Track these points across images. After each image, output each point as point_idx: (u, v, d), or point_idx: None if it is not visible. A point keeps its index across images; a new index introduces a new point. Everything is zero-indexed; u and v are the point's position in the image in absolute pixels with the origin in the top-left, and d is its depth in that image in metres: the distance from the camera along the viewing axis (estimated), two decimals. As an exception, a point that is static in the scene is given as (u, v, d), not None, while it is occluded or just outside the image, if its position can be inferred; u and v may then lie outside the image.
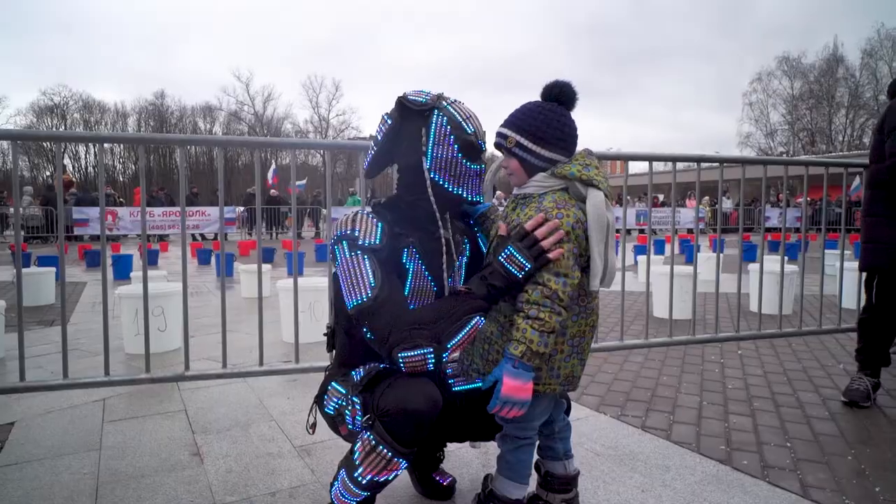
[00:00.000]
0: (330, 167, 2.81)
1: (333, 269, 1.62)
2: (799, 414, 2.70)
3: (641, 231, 18.38)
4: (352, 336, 1.64)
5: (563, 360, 1.54)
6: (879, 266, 2.78)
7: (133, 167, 44.21)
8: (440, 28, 72.29)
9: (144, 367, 2.57)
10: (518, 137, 1.54)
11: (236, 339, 4.10)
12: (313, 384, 3.15)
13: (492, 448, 2.33)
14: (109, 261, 9.79)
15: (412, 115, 1.56)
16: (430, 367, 1.46)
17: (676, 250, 10.60)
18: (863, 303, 3.00)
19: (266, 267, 7.17)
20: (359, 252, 1.50)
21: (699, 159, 3.11)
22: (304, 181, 21.79)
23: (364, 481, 1.47)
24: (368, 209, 1.59)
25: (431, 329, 1.45)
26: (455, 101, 1.59)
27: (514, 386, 1.43)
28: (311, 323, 4.11)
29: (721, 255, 3.52)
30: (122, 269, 8.15)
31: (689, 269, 4.45)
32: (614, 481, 2.04)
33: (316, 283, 4.38)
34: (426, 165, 1.54)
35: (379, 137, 1.62)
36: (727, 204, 20.55)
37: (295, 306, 2.77)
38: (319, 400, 1.71)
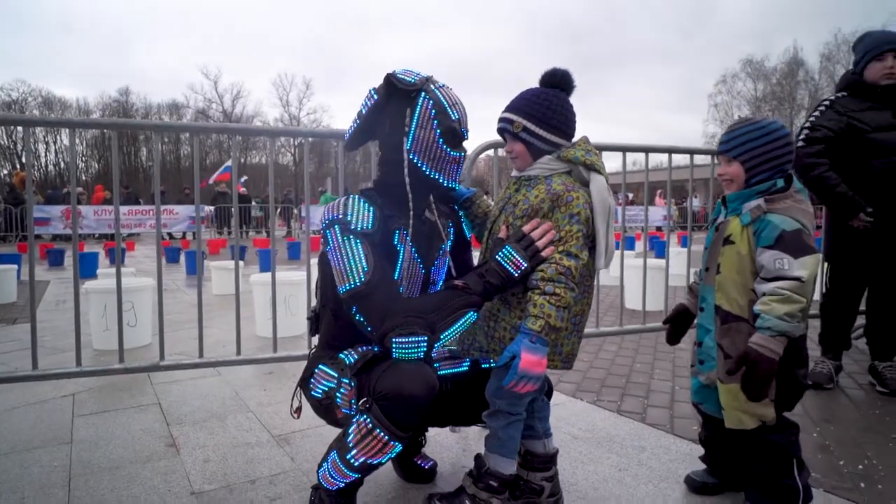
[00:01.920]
0: (307, 159, 2.78)
1: (322, 251, 1.61)
2: (766, 396, 2.79)
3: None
4: (339, 318, 1.63)
5: (566, 338, 1.57)
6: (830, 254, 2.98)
7: (96, 166, 43.01)
8: (411, 29, 72.21)
9: (115, 361, 2.50)
10: (525, 122, 1.57)
11: (209, 335, 4.02)
12: (290, 376, 3.14)
13: (471, 433, 2.35)
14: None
15: (399, 94, 1.56)
16: (421, 355, 1.47)
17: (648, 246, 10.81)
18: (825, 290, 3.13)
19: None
20: (351, 237, 1.49)
21: (670, 150, 3.19)
22: (244, 178, 21.21)
23: (357, 463, 1.47)
24: (358, 194, 1.59)
25: (426, 318, 1.46)
26: (443, 85, 1.60)
27: (532, 360, 1.44)
28: (287, 317, 4.07)
29: (690, 249, 3.63)
30: (88, 267, 7.92)
31: (661, 262, 4.55)
32: (592, 462, 2.08)
33: (290, 277, 4.34)
34: (406, 146, 1.55)
35: (363, 111, 1.61)
36: (695, 203, 21.05)
37: (273, 294, 2.74)
38: (305, 383, 1.69)
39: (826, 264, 3.04)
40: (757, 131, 1.64)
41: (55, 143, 42.82)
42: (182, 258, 9.69)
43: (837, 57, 34.85)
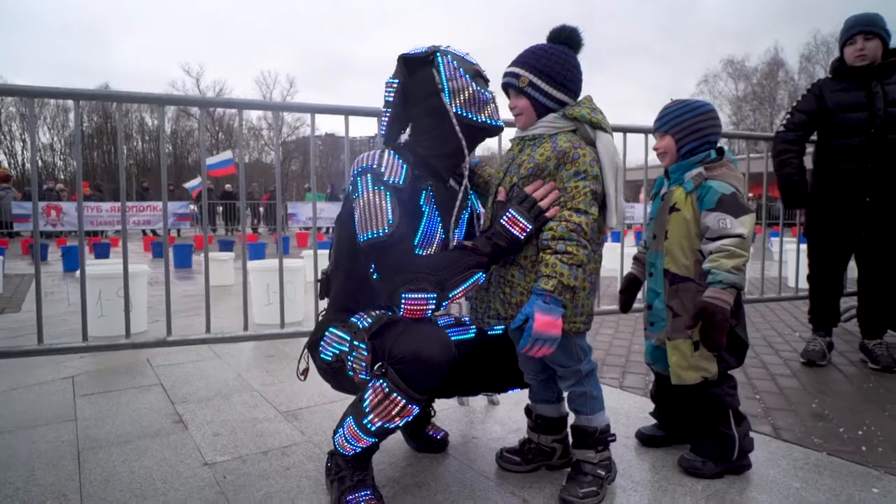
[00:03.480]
0: (277, 132, 2.77)
1: (340, 212, 1.62)
2: (764, 373, 2.85)
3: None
4: (352, 279, 1.63)
5: (585, 298, 1.57)
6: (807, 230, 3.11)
7: (75, 164, 42.20)
8: (395, 28, 72.00)
9: (118, 339, 2.48)
10: (531, 77, 1.56)
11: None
12: (291, 359, 3.13)
13: (478, 406, 2.37)
14: (59, 253, 9.35)
15: (418, 66, 1.59)
16: (429, 313, 1.48)
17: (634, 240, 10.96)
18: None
19: (229, 255, 7.02)
20: (382, 187, 1.50)
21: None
22: (197, 181, 20.27)
23: (374, 428, 1.47)
24: (391, 149, 1.60)
25: (437, 275, 1.47)
26: (449, 46, 1.63)
27: (546, 321, 1.42)
28: (284, 302, 4.05)
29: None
30: (73, 261, 7.80)
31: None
32: (600, 431, 2.11)
33: (287, 264, 4.31)
34: (447, 101, 1.56)
35: (389, 100, 1.64)
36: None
37: (280, 266, 2.73)
38: (314, 346, 1.68)
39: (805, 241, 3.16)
40: (684, 107, 1.83)
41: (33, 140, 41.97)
42: (170, 253, 9.58)
43: (817, 58, 35.52)
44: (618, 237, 11.83)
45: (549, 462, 1.79)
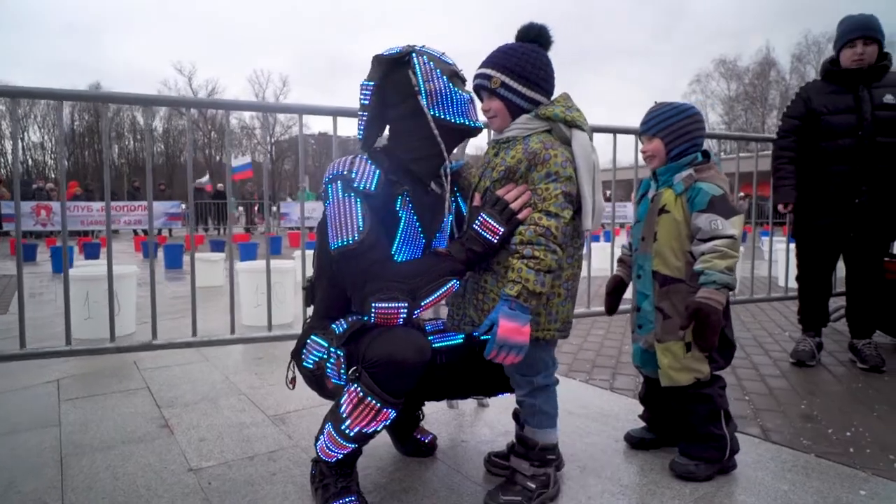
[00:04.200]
0: (265, 122, 2.75)
1: (320, 219, 1.60)
2: (754, 373, 2.85)
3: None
4: (335, 287, 1.62)
5: (560, 304, 1.54)
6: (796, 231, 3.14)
7: (66, 162, 41.87)
8: (386, 28, 71.75)
9: (103, 343, 2.45)
10: (503, 77, 1.52)
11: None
12: (280, 361, 3.11)
13: (467, 409, 2.36)
14: (49, 253, 9.27)
15: (393, 66, 1.56)
16: (401, 321, 1.46)
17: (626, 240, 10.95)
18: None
19: (219, 255, 6.97)
20: (352, 194, 1.48)
21: None
22: (205, 177, 20.69)
23: (352, 433, 1.45)
24: (365, 155, 1.57)
25: (409, 284, 1.45)
26: (424, 45, 1.61)
27: (511, 328, 1.38)
28: (273, 304, 4.02)
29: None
30: (61, 262, 7.73)
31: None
32: (590, 434, 2.10)
33: (276, 265, 4.29)
34: (423, 103, 1.54)
35: (366, 102, 1.60)
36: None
37: (267, 268, 2.71)
38: (297, 354, 1.67)
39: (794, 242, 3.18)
40: (672, 110, 1.84)
41: (22, 139, 41.59)
42: (160, 253, 9.52)
43: (808, 58, 35.73)
44: (609, 237, 11.86)
45: None
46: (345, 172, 1.50)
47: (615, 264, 2.10)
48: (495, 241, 1.51)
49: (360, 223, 1.45)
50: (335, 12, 69.35)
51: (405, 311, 1.44)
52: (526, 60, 1.53)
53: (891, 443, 1.98)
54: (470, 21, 76.02)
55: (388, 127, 1.65)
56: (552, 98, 1.58)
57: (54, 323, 4.19)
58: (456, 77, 1.58)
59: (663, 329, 1.77)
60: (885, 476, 1.74)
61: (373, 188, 1.50)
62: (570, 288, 1.57)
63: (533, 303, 1.42)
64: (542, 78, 1.54)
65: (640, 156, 2.01)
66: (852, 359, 3.02)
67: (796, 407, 2.36)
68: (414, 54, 1.55)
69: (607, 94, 70.99)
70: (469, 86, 1.63)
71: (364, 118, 1.62)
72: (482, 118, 1.65)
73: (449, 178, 1.68)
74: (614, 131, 3.12)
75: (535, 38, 1.56)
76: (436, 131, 1.55)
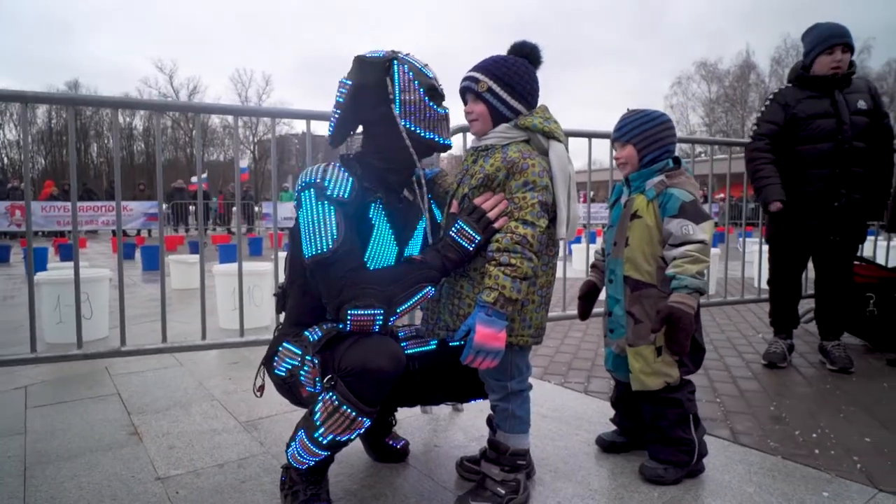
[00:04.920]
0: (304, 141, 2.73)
1: (293, 225, 1.59)
2: (726, 375, 2.89)
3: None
4: (307, 293, 1.60)
5: (534, 311, 1.56)
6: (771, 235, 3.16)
7: (43, 161, 41.16)
8: (368, 26, 71.56)
9: (71, 349, 2.40)
10: (490, 82, 1.55)
11: (171, 328, 3.93)
12: (255, 366, 3.06)
13: (441, 414, 2.36)
14: (22, 255, 9.10)
15: (373, 70, 1.55)
16: (377, 328, 1.45)
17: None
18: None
19: (196, 257, 6.89)
20: (326, 202, 1.47)
21: None
22: (204, 175, 20.92)
23: (325, 441, 1.45)
24: (338, 162, 1.57)
25: (384, 291, 1.45)
26: (409, 53, 1.61)
27: (487, 334, 1.41)
28: (251, 308, 3.98)
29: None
30: (37, 263, 7.58)
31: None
32: (562, 438, 2.11)
33: (254, 267, 4.25)
34: (396, 112, 1.54)
35: (340, 100, 1.59)
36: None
37: (239, 272, 2.68)
38: (268, 361, 1.66)
39: (767, 246, 3.21)
40: (644, 118, 1.86)
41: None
42: (137, 254, 9.38)
43: (787, 61, 36.30)
44: (593, 238, 11.95)
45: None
46: (318, 180, 1.49)
47: (589, 269, 2.11)
48: (471, 248, 1.52)
49: (335, 231, 1.44)
50: (322, 10, 69.03)
51: (381, 318, 1.44)
52: (514, 71, 1.56)
53: (854, 444, 2.02)
54: (454, 21, 76.11)
55: (361, 129, 1.65)
56: (534, 109, 1.61)
57: (26, 327, 4.11)
58: (434, 92, 1.57)
59: (634, 333, 1.79)
60: (847, 478, 1.78)
61: (346, 195, 1.49)
62: (545, 295, 1.60)
63: (509, 309, 1.45)
64: (527, 91, 1.58)
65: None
66: (822, 360, 3.07)
67: (766, 409, 2.40)
68: (396, 62, 1.55)
69: (584, 94, 71.47)
70: (447, 101, 1.64)
71: (336, 116, 1.61)
72: (460, 122, 1.66)
73: (423, 185, 1.68)
74: (590, 135, 3.14)
75: (526, 55, 1.59)
76: (408, 142, 1.55)
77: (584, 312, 2.07)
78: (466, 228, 1.52)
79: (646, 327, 1.75)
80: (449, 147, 1.65)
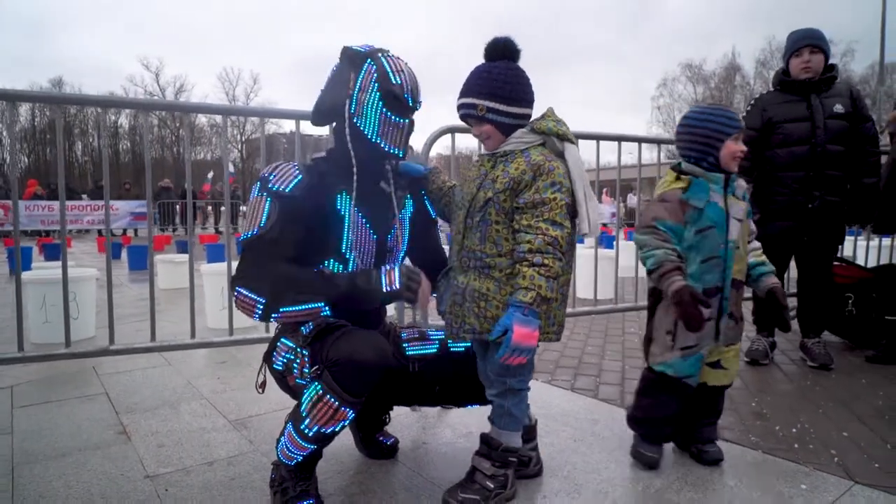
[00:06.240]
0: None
1: None
2: (709, 372, 2.94)
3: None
4: None
5: (557, 308, 1.58)
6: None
7: (26, 160, 40.59)
8: (357, 24, 71.36)
9: (58, 348, 2.39)
10: (487, 103, 1.55)
11: (159, 328, 3.92)
12: (244, 365, 3.09)
13: (430, 412, 2.38)
14: (5, 254, 8.99)
15: (349, 61, 1.60)
16: (256, 317, 1.48)
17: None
18: None
19: (184, 256, 6.84)
20: (265, 194, 1.54)
21: (640, 139, 3.37)
22: (210, 175, 21.09)
23: (311, 433, 1.47)
24: (295, 161, 1.64)
25: (276, 286, 1.46)
26: (395, 56, 1.62)
27: (525, 333, 1.43)
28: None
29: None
30: (22, 262, 7.48)
31: (611, 252, 4.72)
32: (549, 434, 2.15)
33: (243, 267, 4.24)
34: (349, 110, 1.58)
35: (325, 85, 1.65)
36: (633, 200, 21.84)
37: (228, 269, 2.68)
38: (269, 357, 1.69)
39: None
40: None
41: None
42: (123, 254, 9.30)
43: (771, 63, 36.76)
44: (610, 241, 12.03)
45: (525, 471, 1.80)
46: (265, 175, 1.58)
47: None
48: (384, 290, 1.53)
49: (264, 219, 1.52)
50: (314, 9, 68.75)
51: (261, 307, 1.46)
52: (504, 81, 1.55)
53: (832, 439, 2.08)
54: (449, 21, 76.14)
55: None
56: (543, 112, 1.63)
57: (10, 327, 4.07)
58: (395, 100, 1.57)
59: (735, 332, 1.89)
60: (825, 470, 1.83)
61: (286, 190, 1.54)
62: (565, 292, 1.63)
63: (543, 308, 1.48)
64: (522, 93, 1.58)
65: (625, 158, 2.05)
66: (803, 357, 3.13)
67: (748, 405, 2.45)
68: (369, 60, 1.58)
69: (571, 95, 71.80)
70: (408, 116, 1.64)
71: (319, 96, 1.66)
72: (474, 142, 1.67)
73: (392, 179, 1.71)
74: (597, 137, 3.24)
75: (502, 54, 1.58)
76: (350, 143, 1.58)
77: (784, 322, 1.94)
78: (396, 274, 1.54)
79: (742, 325, 1.91)
80: (397, 156, 1.64)
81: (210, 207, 19.58)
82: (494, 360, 1.57)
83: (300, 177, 1.56)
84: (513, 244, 1.53)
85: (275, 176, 1.55)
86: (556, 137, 1.57)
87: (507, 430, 1.65)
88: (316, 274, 1.55)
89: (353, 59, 1.59)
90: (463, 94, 1.59)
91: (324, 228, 1.57)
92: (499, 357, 1.47)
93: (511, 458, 1.65)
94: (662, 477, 1.80)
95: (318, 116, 1.69)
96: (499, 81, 1.56)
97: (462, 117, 1.63)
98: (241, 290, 1.47)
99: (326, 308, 1.50)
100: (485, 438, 1.68)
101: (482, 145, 1.67)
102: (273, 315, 1.48)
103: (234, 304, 1.51)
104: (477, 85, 1.57)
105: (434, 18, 76.57)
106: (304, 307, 1.48)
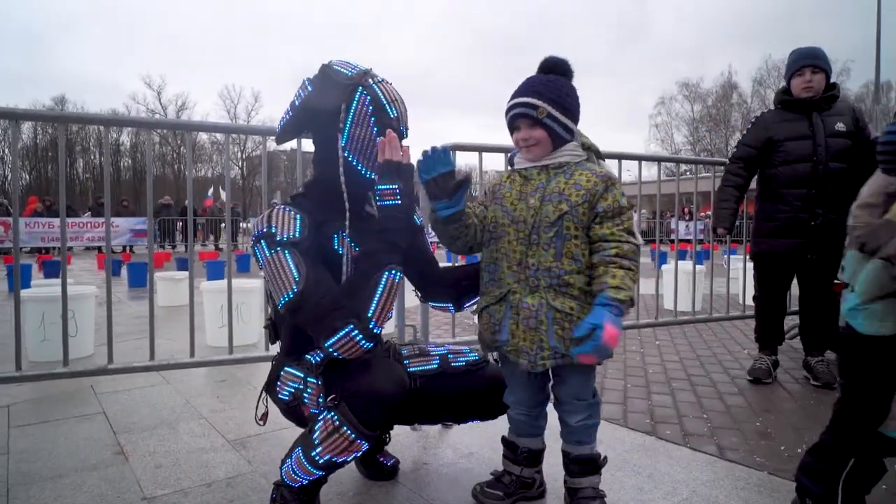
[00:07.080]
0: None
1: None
2: (712, 391, 2.92)
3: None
4: (297, 326, 1.60)
5: None
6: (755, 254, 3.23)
7: (27, 177, 40.75)
8: (353, 39, 72.04)
9: (56, 367, 2.37)
10: (549, 108, 1.53)
11: (158, 345, 3.89)
12: (244, 384, 3.06)
13: (431, 431, 2.35)
14: (5, 272, 8.97)
15: (335, 86, 1.52)
16: (364, 344, 1.40)
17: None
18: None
19: (183, 274, 6.83)
20: (279, 248, 1.44)
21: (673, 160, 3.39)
22: (211, 190, 21.25)
23: (321, 461, 1.45)
24: (283, 204, 1.56)
25: (344, 308, 1.40)
26: (382, 80, 1.57)
27: (615, 334, 1.38)
28: (239, 325, 3.96)
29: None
30: (21, 279, 7.46)
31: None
32: (552, 455, 2.09)
33: (242, 284, 4.23)
34: (341, 143, 1.52)
35: (297, 102, 1.56)
36: (634, 217, 21.89)
37: (229, 289, 2.67)
38: (270, 387, 1.65)
39: (752, 263, 3.28)
40: None
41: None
42: (123, 271, 9.28)
43: (768, 82, 37.12)
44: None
45: (528, 493, 1.77)
46: (265, 230, 1.47)
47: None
48: (399, 202, 1.48)
49: (295, 274, 1.41)
50: (316, 25, 69.53)
51: (356, 332, 1.39)
52: (566, 92, 1.57)
53: (839, 459, 2.05)
54: (439, 35, 76.95)
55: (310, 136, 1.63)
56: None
57: (8, 345, 4.04)
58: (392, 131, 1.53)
59: None
60: (832, 492, 1.80)
61: (296, 235, 1.46)
62: None
63: (629, 310, 1.47)
64: (577, 108, 1.60)
65: (645, 172, 2.04)
66: (806, 375, 3.11)
67: (751, 424, 2.43)
68: (361, 88, 1.52)
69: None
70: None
71: (288, 116, 1.58)
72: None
73: (373, 201, 1.65)
74: (619, 157, 3.31)
75: (562, 72, 1.60)
76: (342, 171, 1.53)
77: None
78: (381, 187, 1.48)
79: None
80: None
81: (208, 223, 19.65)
82: (573, 384, 1.57)
83: (299, 217, 1.49)
84: (589, 259, 1.52)
85: (276, 227, 1.46)
86: (594, 154, 1.61)
87: (595, 440, 1.65)
88: (354, 268, 1.51)
89: (339, 86, 1.51)
90: (523, 93, 1.56)
91: (325, 264, 1.52)
92: (575, 353, 1.43)
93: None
94: (667, 498, 1.77)
95: (285, 135, 1.62)
96: (560, 91, 1.56)
97: (515, 116, 1.57)
98: (330, 342, 1.39)
99: (396, 273, 1.45)
100: (582, 459, 1.64)
101: (524, 152, 1.61)
102: (376, 328, 1.42)
103: (336, 351, 1.40)
104: (540, 88, 1.55)
105: (433, 34, 77.44)
106: (379, 291, 1.42)
